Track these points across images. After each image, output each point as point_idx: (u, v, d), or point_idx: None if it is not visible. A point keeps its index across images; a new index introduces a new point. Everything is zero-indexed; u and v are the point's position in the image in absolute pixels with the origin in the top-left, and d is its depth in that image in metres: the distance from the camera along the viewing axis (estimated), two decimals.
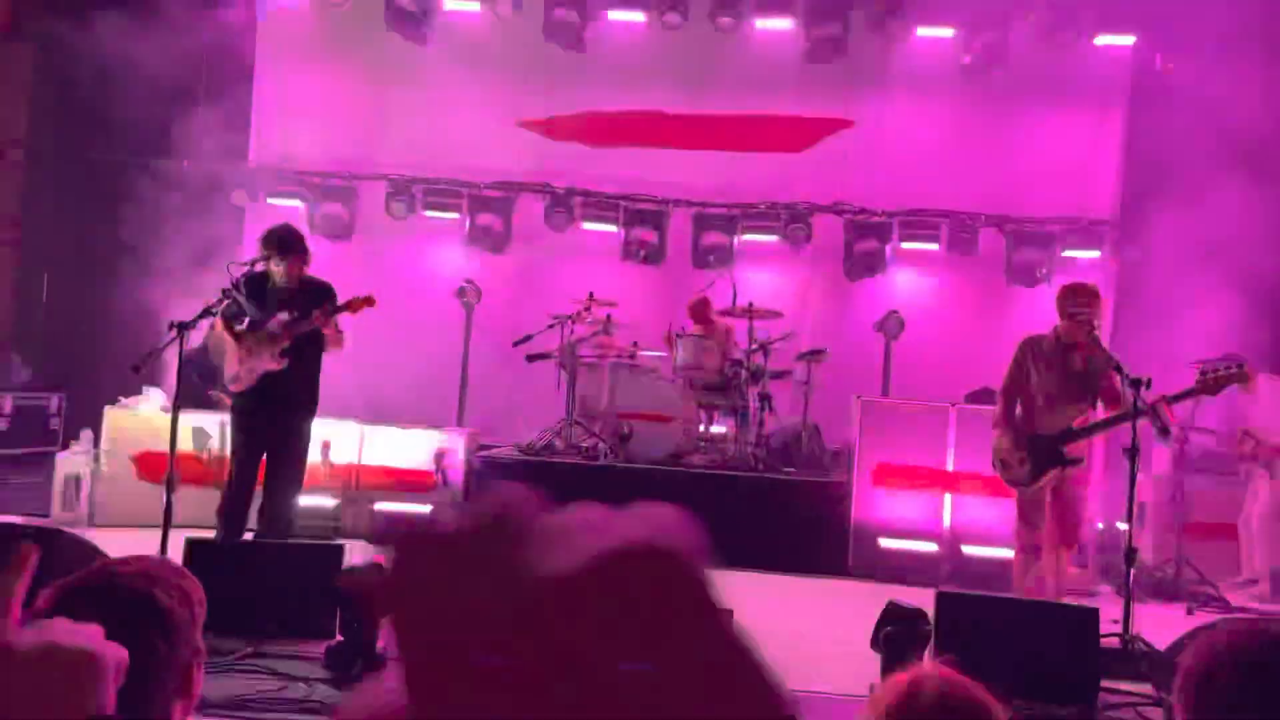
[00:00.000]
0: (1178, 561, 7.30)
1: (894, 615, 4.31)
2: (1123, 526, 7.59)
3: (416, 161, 10.65)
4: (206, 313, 5.58)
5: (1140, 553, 7.97)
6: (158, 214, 9.48)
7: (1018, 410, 5.91)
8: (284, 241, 5.75)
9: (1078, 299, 5.68)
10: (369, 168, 10.73)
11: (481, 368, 9.95)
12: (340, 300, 5.87)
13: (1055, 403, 5.79)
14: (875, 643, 4.33)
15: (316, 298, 5.80)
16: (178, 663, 1.52)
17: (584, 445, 8.28)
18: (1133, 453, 4.97)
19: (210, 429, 7.73)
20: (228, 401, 6.21)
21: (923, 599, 4.59)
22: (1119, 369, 5.14)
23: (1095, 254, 9.97)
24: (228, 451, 6.14)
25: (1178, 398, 5.22)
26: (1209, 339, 7.42)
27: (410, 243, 10.75)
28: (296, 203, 10.46)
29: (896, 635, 4.23)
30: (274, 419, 5.78)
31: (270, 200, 10.39)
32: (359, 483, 7.93)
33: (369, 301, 5.91)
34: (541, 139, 10.81)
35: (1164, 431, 5.09)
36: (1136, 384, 5.04)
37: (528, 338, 8.83)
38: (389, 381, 9.57)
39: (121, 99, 9.42)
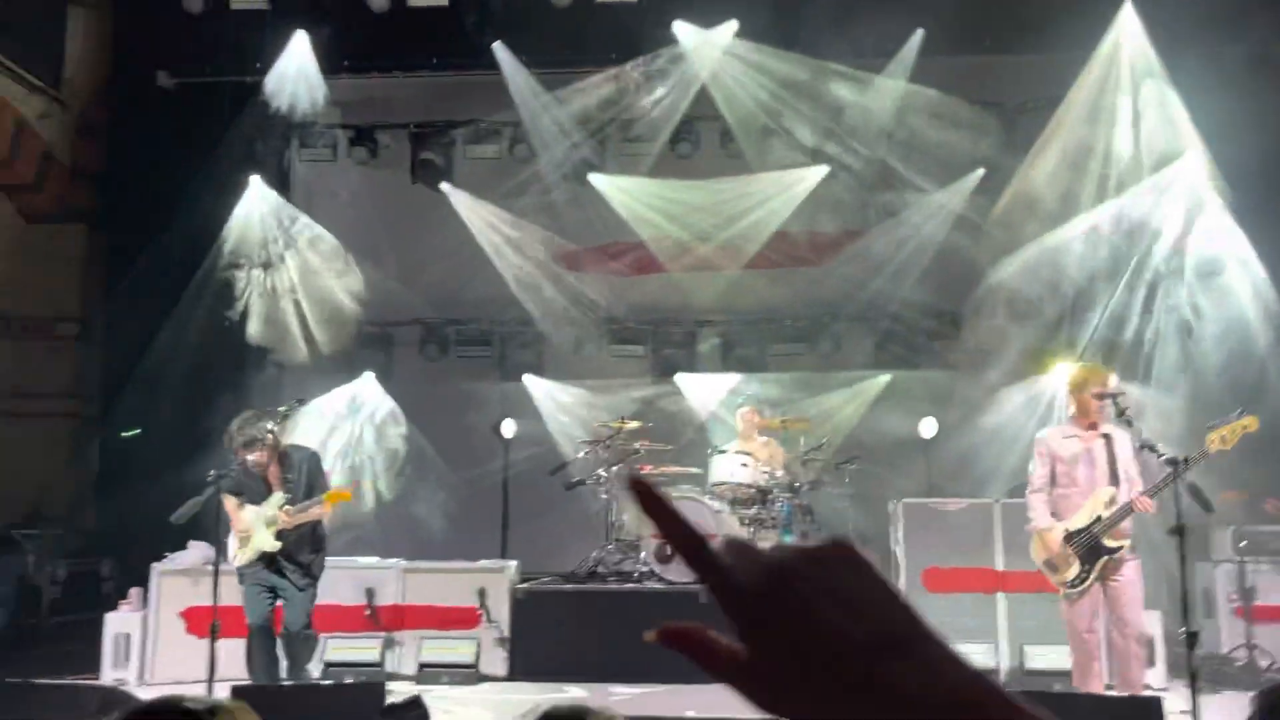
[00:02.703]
0: (1249, 646, 7.02)
1: None
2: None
3: (446, 302, 10.98)
4: (216, 483, 5.80)
5: (1205, 643, 7.71)
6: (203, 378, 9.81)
7: (1051, 508, 5.83)
8: (243, 439, 5.94)
9: (1100, 380, 5.68)
10: (405, 314, 11.08)
11: (521, 499, 10.02)
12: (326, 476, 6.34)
13: (1082, 494, 5.71)
14: None
15: (300, 465, 6.13)
16: None
17: (626, 569, 8.22)
18: (1179, 530, 4.86)
19: None
20: None
21: None
22: (1154, 448, 5.07)
23: None
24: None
25: (1196, 460, 5.10)
26: None
27: (445, 381, 10.98)
28: None
29: None
30: (280, 572, 6.12)
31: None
32: (403, 623, 7.90)
33: (344, 495, 6.30)
34: (568, 272, 11.14)
35: (1208, 508, 4.97)
36: (1175, 463, 4.97)
37: (563, 465, 8.92)
38: (432, 520, 9.67)
39: (167, 268, 9.94)
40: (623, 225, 10.65)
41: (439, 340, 11.07)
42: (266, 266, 10.61)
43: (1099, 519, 5.59)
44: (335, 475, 10.53)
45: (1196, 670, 4.80)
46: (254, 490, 6.06)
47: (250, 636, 6.06)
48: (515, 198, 10.62)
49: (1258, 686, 6.58)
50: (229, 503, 6.04)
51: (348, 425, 10.43)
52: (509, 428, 10.32)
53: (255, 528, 6.02)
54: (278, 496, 6.01)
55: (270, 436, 5.92)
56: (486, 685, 7.52)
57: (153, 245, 9.89)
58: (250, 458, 5.89)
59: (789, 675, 0.61)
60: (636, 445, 8.56)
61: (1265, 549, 7.86)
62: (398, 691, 5.38)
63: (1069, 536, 5.69)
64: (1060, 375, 9.91)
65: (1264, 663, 6.99)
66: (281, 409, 6.25)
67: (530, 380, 11.06)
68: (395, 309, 11.05)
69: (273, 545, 5.97)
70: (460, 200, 10.84)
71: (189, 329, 10.13)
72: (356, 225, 11.07)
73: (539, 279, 10.89)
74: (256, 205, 10.65)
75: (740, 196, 10.42)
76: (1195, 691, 4.73)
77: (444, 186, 10.83)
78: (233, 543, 6.17)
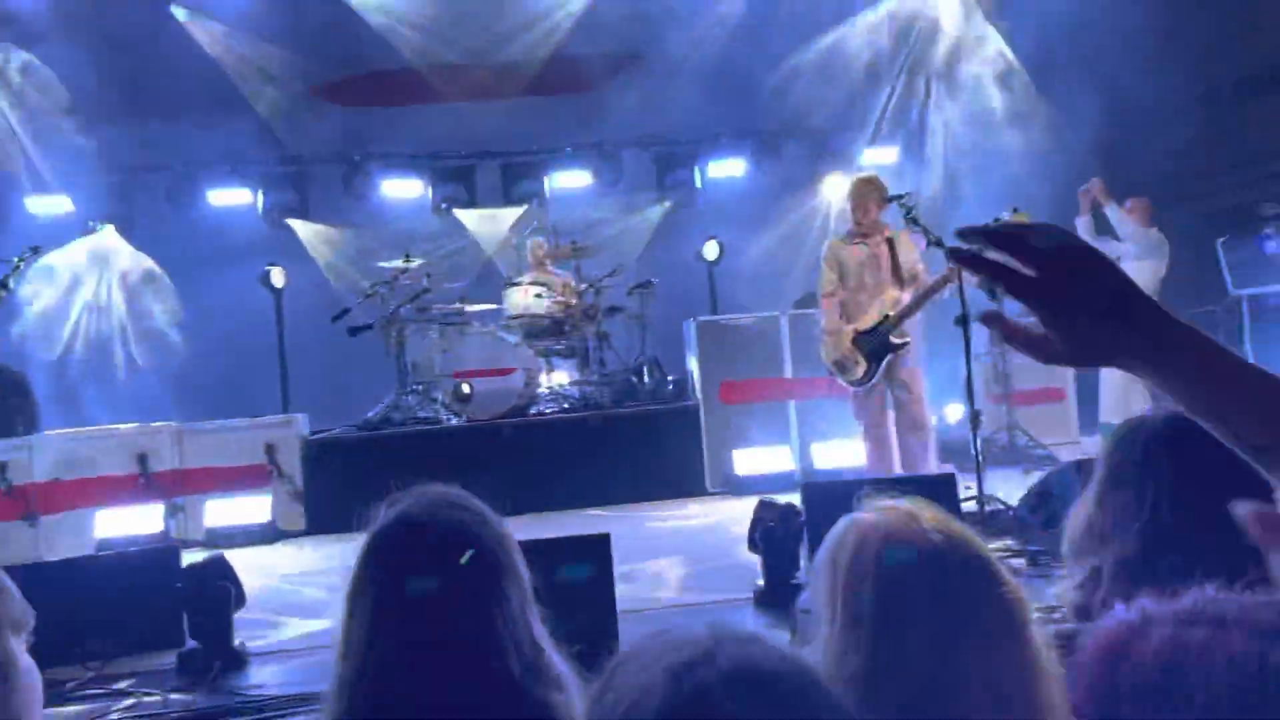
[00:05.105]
0: (1010, 428, 7.70)
1: (767, 513, 4.30)
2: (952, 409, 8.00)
3: (195, 143, 9.88)
4: None
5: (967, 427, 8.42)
6: None
7: (839, 312, 6.04)
8: None
9: (882, 189, 5.87)
10: (145, 158, 9.90)
11: (301, 350, 9.44)
12: None
13: (871, 296, 5.95)
14: (752, 543, 4.31)
15: None
16: None
17: (422, 413, 7.96)
18: (964, 321, 5.14)
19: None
20: None
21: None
22: (940, 242, 5.29)
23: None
24: None
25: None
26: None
27: (202, 233, 10.02)
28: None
29: (772, 532, 4.23)
30: None
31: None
32: (185, 487, 7.36)
33: None
34: (333, 106, 10.26)
35: (993, 294, 5.28)
36: (956, 253, 5.18)
37: (345, 311, 8.40)
38: (201, 378, 8.96)
39: None
40: (389, 50, 9.80)
41: (188, 186, 10.02)
42: None
43: (886, 318, 5.84)
44: (80, 341, 9.55)
45: (988, 450, 5.17)
46: None
47: None
48: (263, 18, 9.53)
49: (1021, 463, 7.28)
50: None
51: (91, 283, 9.37)
52: (278, 276, 9.60)
53: None
54: None
55: None
56: (285, 541, 7.18)
57: None
58: None
59: (1074, 309, 0.89)
60: (425, 283, 8.14)
61: None
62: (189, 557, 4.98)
63: (857, 337, 5.93)
64: (837, 186, 10.25)
65: (1022, 441, 7.70)
66: (14, 258, 5.42)
67: (297, 224, 10.28)
68: (135, 152, 9.84)
69: None
70: (197, 23, 9.62)
71: None
72: (89, 64, 9.62)
73: (299, 112, 9.97)
74: None
75: (511, 11, 9.80)
76: (979, 465, 5.10)
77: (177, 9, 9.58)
78: None
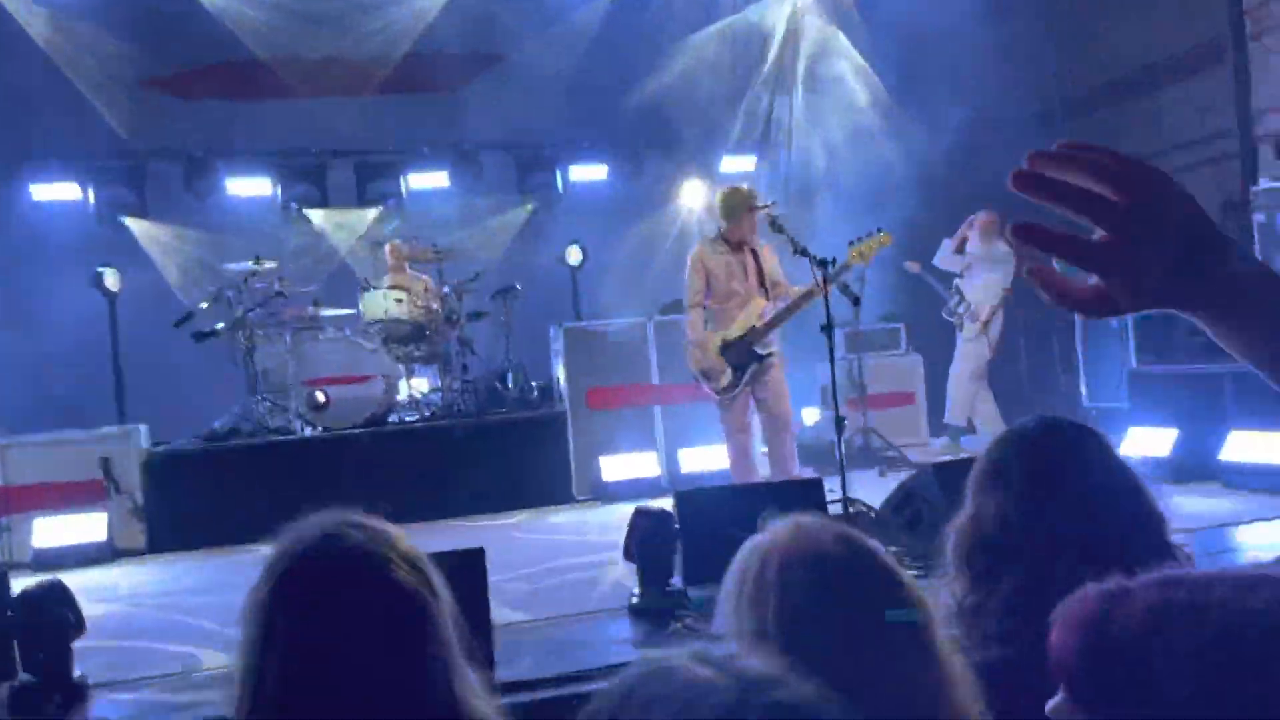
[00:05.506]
0: (865, 431, 7.95)
1: (642, 520, 4.28)
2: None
3: (10, 135, 9.14)
4: None
5: (825, 431, 8.65)
6: None
7: (705, 321, 6.10)
8: None
9: (749, 197, 5.96)
10: None
11: (140, 357, 8.87)
12: None
13: (739, 305, 6.02)
14: (628, 551, 4.28)
15: None
16: None
17: (273, 423, 7.60)
18: (829, 329, 5.26)
19: None
20: None
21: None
22: (806, 252, 5.39)
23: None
24: None
25: (840, 271, 5.51)
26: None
27: (23, 230, 9.28)
28: None
29: (648, 539, 4.21)
30: None
31: None
32: (9, 507, 6.80)
33: None
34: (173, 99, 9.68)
35: (856, 301, 5.43)
36: (824, 263, 5.32)
37: (189, 316, 7.95)
38: (24, 388, 8.30)
39: None
40: (236, 42, 9.31)
41: (6, 176, 9.27)
42: None
43: (752, 329, 5.93)
44: None
45: (845, 452, 5.29)
46: None
47: None
48: (99, 4, 8.91)
49: (877, 465, 7.52)
50: None
51: None
52: (112, 279, 8.99)
53: None
54: None
55: None
56: (123, 561, 6.72)
57: None
58: None
59: (1149, 257, 0.81)
60: (277, 287, 7.78)
61: (871, 345, 8.89)
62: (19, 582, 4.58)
63: (725, 347, 6.00)
64: (696, 192, 10.38)
65: (876, 444, 7.97)
66: None
67: (133, 223, 9.67)
68: None
69: None
70: (24, 6, 8.90)
71: None
72: None
73: (132, 106, 9.36)
74: None
75: (366, 5, 9.47)
76: (843, 469, 5.23)
77: None
78: None
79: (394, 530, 1.23)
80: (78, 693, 3.75)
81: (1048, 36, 9.96)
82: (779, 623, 1.30)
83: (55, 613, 3.78)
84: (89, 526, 6.76)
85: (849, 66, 9.87)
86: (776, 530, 1.36)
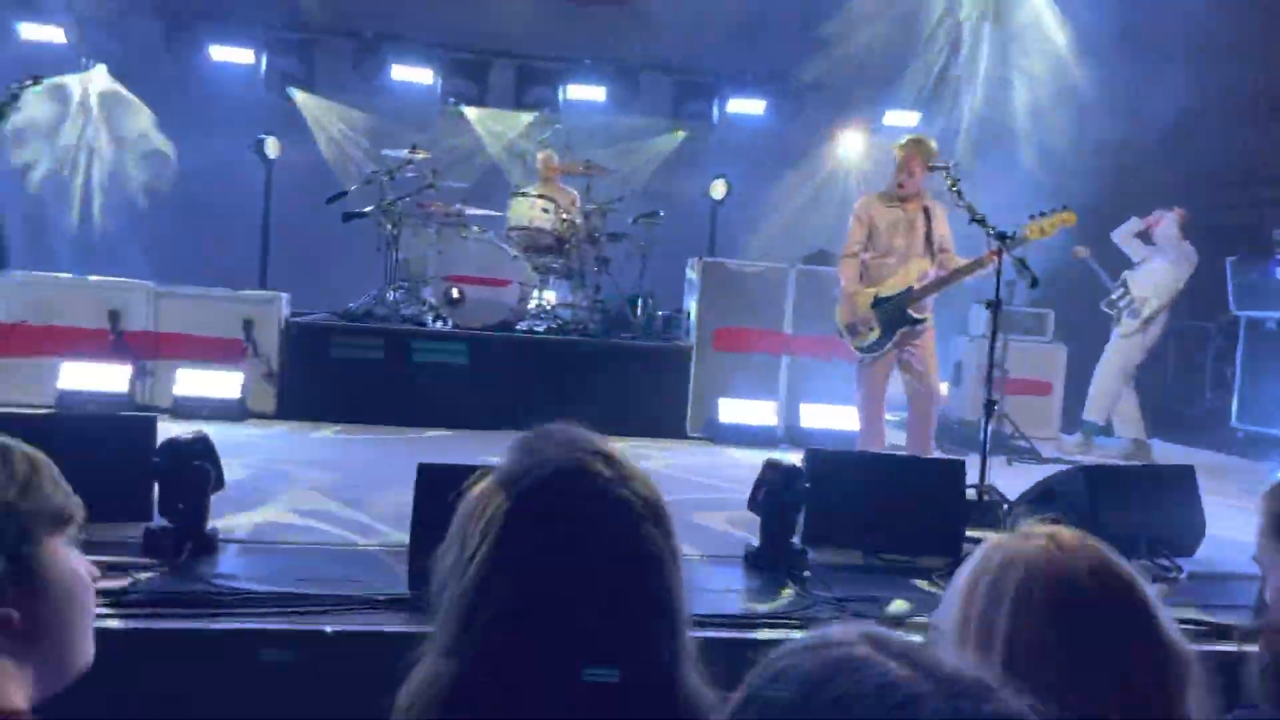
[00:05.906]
0: (997, 416, 7.64)
1: (772, 473, 4.17)
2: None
3: None
4: None
5: (955, 409, 8.37)
6: None
7: (863, 273, 5.86)
8: None
9: (933, 152, 5.64)
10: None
11: (286, 227, 9.09)
12: None
13: (898, 262, 5.77)
14: (753, 503, 4.19)
15: None
16: None
17: (406, 311, 7.72)
18: (995, 305, 5.00)
19: None
20: None
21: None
22: (984, 222, 5.10)
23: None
24: None
25: (1016, 245, 5.19)
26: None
27: (196, 88, 9.55)
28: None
29: (776, 492, 4.11)
30: None
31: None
32: (158, 351, 7.09)
33: None
34: None
35: (1034, 283, 5.13)
36: (1003, 236, 5.03)
37: (342, 194, 8.08)
38: (180, 242, 8.62)
39: None
40: None
41: (187, 36, 9.51)
42: None
43: (910, 289, 5.68)
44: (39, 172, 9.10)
45: (989, 438, 5.08)
46: None
47: None
48: None
49: (1005, 453, 7.24)
50: None
51: (79, 122, 8.91)
52: (273, 147, 9.19)
53: None
54: None
55: None
56: (252, 422, 6.97)
57: None
58: None
59: None
60: (429, 179, 7.82)
61: (1015, 327, 8.51)
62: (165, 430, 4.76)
63: (877, 302, 5.76)
64: (853, 143, 10.02)
65: (1007, 430, 7.67)
66: (11, 86, 5.06)
67: (300, 95, 9.85)
68: None
69: None
70: None
71: None
72: None
73: None
74: None
75: None
76: (985, 455, 5.02)
77: None
78: None
79: (635, 470, 1.14)
80: (208, 544, 3.88)
81: (1265, 35, 9.18)
82: (1007, 641, 1.20)
83: (197, 465, 3.90)
84: (226, 383, 7.01)
85: (1043, 34, 9.30)
86: (1030, 536, 1.25)
